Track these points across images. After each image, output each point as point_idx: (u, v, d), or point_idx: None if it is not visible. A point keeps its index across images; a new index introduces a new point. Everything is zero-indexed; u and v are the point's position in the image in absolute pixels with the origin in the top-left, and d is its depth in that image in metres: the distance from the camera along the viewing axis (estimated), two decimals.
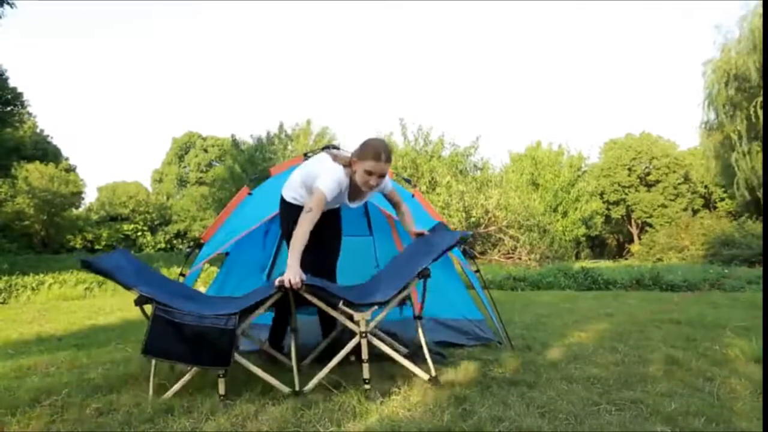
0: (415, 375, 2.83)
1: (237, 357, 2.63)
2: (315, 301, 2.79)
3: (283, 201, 3.38)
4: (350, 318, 2.75)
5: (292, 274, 2.66)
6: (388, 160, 3.01)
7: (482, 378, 3.04)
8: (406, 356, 2.95)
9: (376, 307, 2.76)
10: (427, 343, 2.98)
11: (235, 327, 2.54)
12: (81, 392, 2.74)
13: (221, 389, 2.54)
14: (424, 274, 2.83)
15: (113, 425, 2.23)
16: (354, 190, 3.17)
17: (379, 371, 3.13)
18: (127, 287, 2.70)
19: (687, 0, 54.69)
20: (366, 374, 2.67)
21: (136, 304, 2.66)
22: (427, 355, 2.87)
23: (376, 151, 2.97)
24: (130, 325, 5.92)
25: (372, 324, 2.77)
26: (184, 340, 2.53)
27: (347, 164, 3.07)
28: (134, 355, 3.87)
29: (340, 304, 2.73)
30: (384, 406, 2.48)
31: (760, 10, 18.62)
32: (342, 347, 2.83)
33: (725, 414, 2.43)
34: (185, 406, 2.47)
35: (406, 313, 3.35)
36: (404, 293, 2.89)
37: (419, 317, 3.09)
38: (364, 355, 2.68)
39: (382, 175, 3.02)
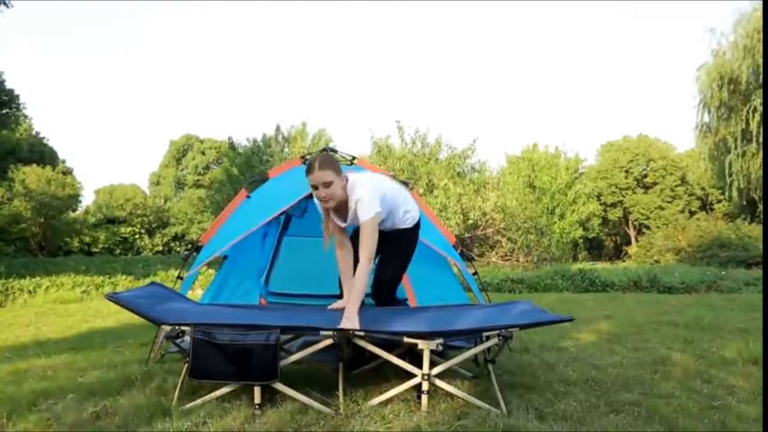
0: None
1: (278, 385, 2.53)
2: (371, 348, 2.62)
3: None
4: (414, 346, 2.54)
5: (350, 322, 2.60)
6: (321, 167, 2.85)
7: (480, 380, 3.04)
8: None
9: (440, 340, 2.55)
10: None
11: (277, 341, 2.49)
12: (78, 395, 2.72)
13: (257, 398, 2.49)
14: (505, 335, 2.61)
15: (110, 428, 2.22)
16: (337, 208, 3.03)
17: (376, 372, 3.13)
18: (157, 323, 2.67)
19: (682, 0, 54.81)
20: (424, 406, 2.49)
21: (167, 339, 2.63)
22: (499, 395, 2.59)
23: (308, 165, 2.92)
24: (127, 328, 5.90)
25: (436, 370, 2.58)
26: (229, 359, 2.49)
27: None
28: (131, 358, 3.86)
29: (405, 339, 2.55)
30: (382, 408, 2.48)
31: (754, 13, 18.72)
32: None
33: (723, 415, 2.44)
34: (183, 409, 2.46)
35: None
36: (477, 349, 2.76)
37: (492, 361, 2.86)
38: (424, 387, 2.52)
39: (323, 184, 2.85)
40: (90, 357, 4.04)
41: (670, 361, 3.55)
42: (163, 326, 2.63)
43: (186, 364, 2.56)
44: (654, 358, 3.69)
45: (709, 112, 21.87)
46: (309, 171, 2.88)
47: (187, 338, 2.53)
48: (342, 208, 2.99)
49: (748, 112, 19.86)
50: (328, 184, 2.86)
